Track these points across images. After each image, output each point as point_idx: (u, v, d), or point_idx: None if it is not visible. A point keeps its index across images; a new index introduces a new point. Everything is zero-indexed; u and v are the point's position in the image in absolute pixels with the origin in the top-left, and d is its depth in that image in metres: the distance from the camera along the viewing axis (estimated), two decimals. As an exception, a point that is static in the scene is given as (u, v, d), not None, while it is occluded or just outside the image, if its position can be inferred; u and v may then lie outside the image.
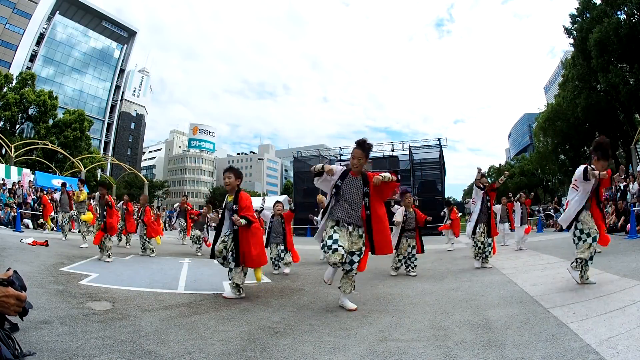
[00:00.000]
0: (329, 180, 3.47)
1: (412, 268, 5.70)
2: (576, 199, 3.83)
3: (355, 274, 3.45)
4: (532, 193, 9.55)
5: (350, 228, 3.39)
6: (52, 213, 12.67)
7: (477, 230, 5.96)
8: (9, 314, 1.48)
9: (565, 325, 2.57)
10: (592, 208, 3.85)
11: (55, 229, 12.32)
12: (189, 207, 10.73)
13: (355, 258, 3.39)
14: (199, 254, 8.52)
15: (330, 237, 3.30)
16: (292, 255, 6.17)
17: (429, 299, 3.79)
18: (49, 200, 13.10)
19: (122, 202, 9.85)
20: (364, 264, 3.48)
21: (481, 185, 6.10)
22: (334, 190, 3.47)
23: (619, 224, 9.80)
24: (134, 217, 9.04)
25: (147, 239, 8.08)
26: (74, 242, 9.04)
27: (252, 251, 3.91)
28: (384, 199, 3.58)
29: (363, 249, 3.43)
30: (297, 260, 6.33)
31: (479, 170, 6.22)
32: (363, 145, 3.44)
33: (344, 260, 3.26)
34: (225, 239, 3.96)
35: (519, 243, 8.59)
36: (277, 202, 6.69)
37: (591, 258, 3.75)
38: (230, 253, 3.94)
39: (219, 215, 4.18)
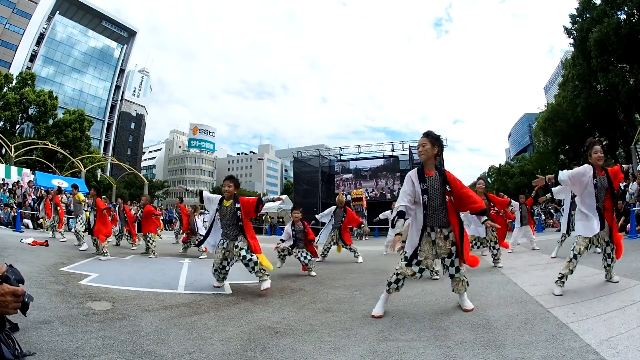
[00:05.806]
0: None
1: None
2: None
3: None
4: (522, 196, 9.43)
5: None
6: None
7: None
8: (8, 312, 1.40)
9: (565, 325, 2.57)
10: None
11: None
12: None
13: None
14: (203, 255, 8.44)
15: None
16: (312, 253, 6.11)
17: (429, 299, 3.78)
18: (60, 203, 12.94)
19: (117, 206, 9.83)
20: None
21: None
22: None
23: (619, 224, 9.80)
24: (134, 215, 9.01)
25: (151, 240, 8.14)
26: (73, 242, 9.02)
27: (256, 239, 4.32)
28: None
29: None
30: (316, 256, 6.22)
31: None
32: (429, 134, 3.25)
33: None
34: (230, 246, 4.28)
35: (531, 242, 8.57)
36: (294, 208, 6.60)
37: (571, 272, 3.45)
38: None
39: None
